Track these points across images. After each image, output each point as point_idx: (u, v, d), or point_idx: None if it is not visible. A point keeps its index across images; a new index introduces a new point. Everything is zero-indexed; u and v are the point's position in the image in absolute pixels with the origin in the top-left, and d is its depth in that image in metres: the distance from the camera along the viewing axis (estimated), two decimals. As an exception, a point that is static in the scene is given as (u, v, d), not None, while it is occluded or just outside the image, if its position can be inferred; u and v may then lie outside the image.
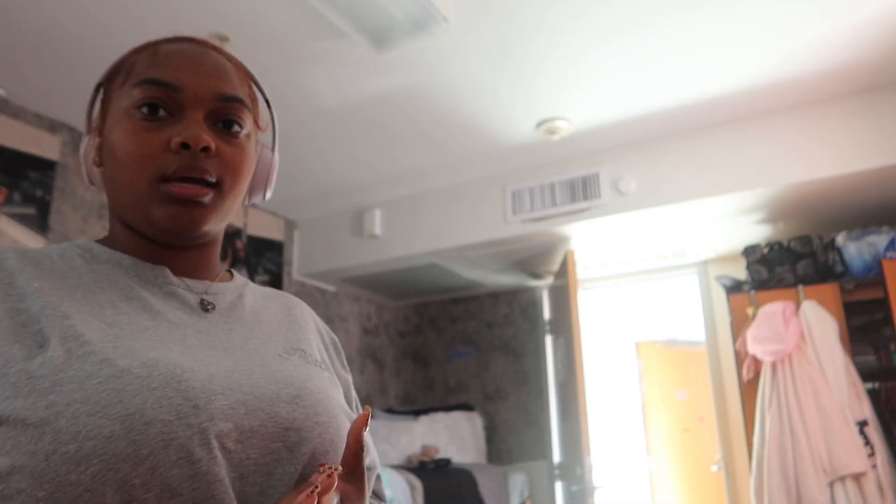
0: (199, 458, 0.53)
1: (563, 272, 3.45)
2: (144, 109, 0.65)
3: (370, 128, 2.95)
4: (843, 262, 3.02)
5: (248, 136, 0.70)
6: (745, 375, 3.11)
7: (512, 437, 4.18)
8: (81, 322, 0.57)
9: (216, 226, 0.68)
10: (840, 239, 3.04)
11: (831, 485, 2.73)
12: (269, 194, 0.78)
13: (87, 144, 0.72)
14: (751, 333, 3.03)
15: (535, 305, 4.30)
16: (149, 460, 0.50)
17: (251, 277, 3.68)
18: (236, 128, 0.69)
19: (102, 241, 0.71)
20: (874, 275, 2.91)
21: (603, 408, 5.05)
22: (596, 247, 3.65)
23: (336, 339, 0.84)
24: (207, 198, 0.65)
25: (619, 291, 4.59)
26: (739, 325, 3.20)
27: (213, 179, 0.65)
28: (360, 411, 0.78)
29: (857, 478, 2.71)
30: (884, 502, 2.65)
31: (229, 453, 0.55)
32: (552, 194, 3.27)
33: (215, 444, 0.54)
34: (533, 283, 4.27)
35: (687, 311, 4.63)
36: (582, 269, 4.00)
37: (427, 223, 3.58)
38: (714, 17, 2.24)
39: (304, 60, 2.44)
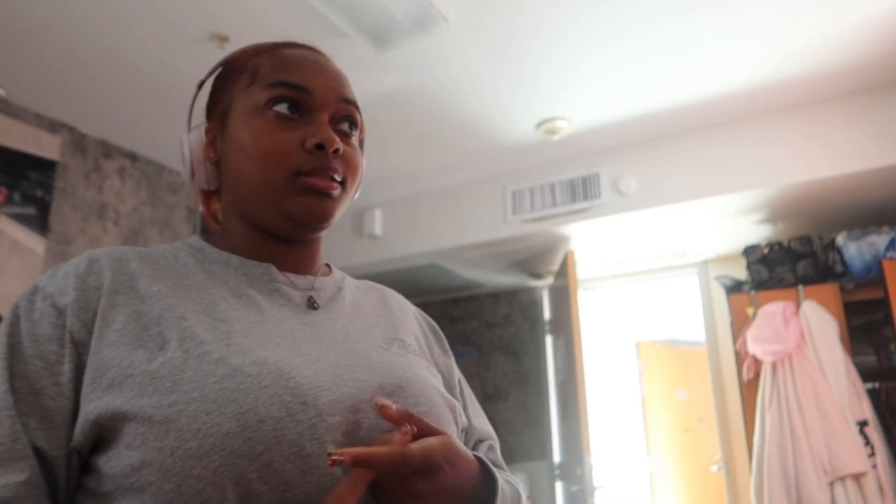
0: (310, 453, 0.56)
1: (564, 272, 3.45)
2: (278, 108, 0.69)
3: (370, 128, 2.94)
4: (843, 262, 3.02)
5: (358, 138, 0.75)
6: (746, 375, 3.11)
7: (512, 437, 4.18)
8: (197, 322, 0.61)
9: (335, 220, 0.72)
10: (840, 239, 3.04)
11: (831, 485, 2.73)
12: (357, 195, 0.82)
13: (195, 141, 0.74)
14: (751, 333, 3.03)
15: (536, 305, 4.30)
16: (263, 456, 0.54)
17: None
18: (354, 130, 0.74)
19: (210, 239, 0.75)
20: (874, 275, 2.91)
21: (603, 408, 5.04)
22: (596, 247, 3.65)
23: (434, 324, 0.86)
24: (336, 192, 0.70)
25: (619, 291, 4.59)
26: (739, 325, 3.20)
27: (340, 178, 0.70)
28: (467, 394, 0.82)
29: (858, 478, 2.70)
30: (884, 502, 2.65)
31: (340, 446, 0.58)
32: (552, 194, 3.27)
33: (325, 437, 0.57)
34: (533, 283, 4.27)
35: (687, 312, 4.62)
36: (582, 269, 3.99)
37: (427, 223, 3.58)
38: (714, 17, 2.24)
39: (305, 60, 2.44)
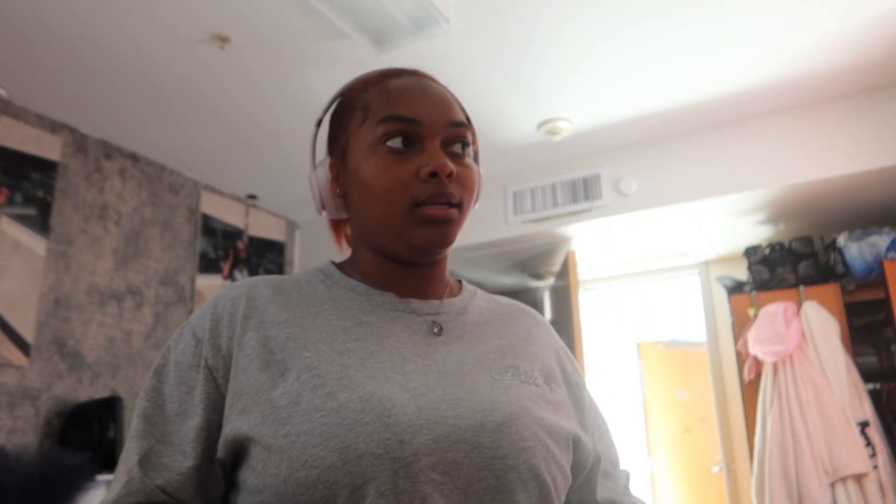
0: (402, 490, 0.58)
1: (564, 273, 3.45)
2: (391, 143, 0.71)
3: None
4: (844, 262, 3.01)
5: (471, 156, 0.78)
6: (747, 376, 3.11)
7: (513, 438, 4.17)
8: (316, 353, 0.66)
9: (455, 242, 0.75)
10: (841, 240, 3.04)
11: (832, 485, 2.72)
12: (477, 205, 0.85)
13: (321, 176, 0.79)
14: (752, 334, 3.03)
15: (537, 306, 4.30)
16: (361, 489, 0.57)
17: (252, 278, 3.68)
18: (467, 150, 0.76)
19: (342, 265, 0.80)
20: (875, 275, 2.91)
21: (604, 408, 5.03)
22: (597, 247, 3.65)
23: (562, 344, 0.87)
24: (454, 217, 0.72)
25: (621, 292, 4.59)
26: (741, 325, 3.20)
27: (456, 201, 0.72)
28: (595, 417, 0.83)
29: (859, 478, 2.70)
30: (885, 503, 2.65)
31: (437, 485, 0.59)
32: (553, 195, 3.27)
33: (419, 477, 0.59)
34: (534, 283, 4.27)
35: (688, 312, 4.62)
36: (583, 270, 3.99)
37: (428, 224, 3.57)
38: (714, 17, 2.24)
39: (305, 61, 2.44)
